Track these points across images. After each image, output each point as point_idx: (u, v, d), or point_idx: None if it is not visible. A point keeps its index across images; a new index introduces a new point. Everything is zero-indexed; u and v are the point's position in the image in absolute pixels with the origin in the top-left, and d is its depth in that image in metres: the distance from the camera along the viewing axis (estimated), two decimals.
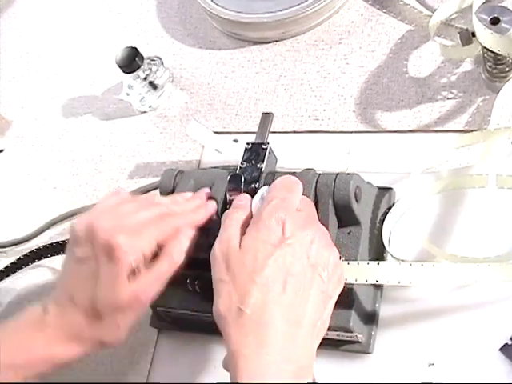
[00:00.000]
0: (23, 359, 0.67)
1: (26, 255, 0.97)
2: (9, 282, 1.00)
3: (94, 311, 0.67)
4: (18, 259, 0.97)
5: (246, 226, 0.65)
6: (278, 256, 0.61)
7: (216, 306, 0.62)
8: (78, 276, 0.69)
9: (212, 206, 0.74)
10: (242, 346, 0.58)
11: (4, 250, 1.03)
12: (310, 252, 0.62)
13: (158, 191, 0.82)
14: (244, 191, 0.73)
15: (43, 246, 0.96)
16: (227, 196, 0.74)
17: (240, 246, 0.63)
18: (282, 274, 0.60)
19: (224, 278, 0.62)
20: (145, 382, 0.85)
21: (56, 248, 0.95)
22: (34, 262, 0.97)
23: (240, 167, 0.77)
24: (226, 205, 0.74)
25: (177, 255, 0.69)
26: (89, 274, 0.67)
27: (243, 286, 0.60)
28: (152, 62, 1.03)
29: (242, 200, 0.69)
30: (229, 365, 0.59)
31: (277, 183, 0.68)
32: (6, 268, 0.97)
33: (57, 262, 0.98)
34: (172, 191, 0.81)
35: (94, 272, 0.67)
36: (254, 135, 0.81)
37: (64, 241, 0.94)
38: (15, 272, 0.98)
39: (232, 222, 0.66)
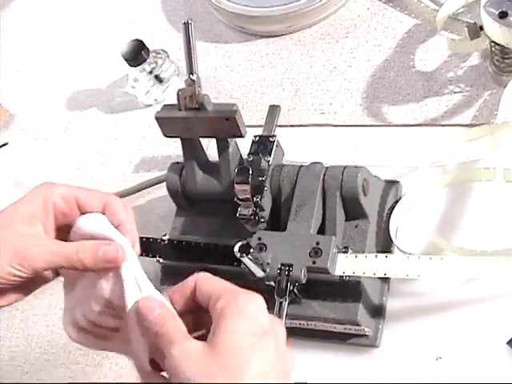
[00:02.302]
0: None
1: None
2: None
3: None
4: None
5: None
6: (262, 348, 0.53)
7: None
8: None
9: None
10: None
11: None
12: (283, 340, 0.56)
13: None
14: (251, 184, 0.73)
15: None
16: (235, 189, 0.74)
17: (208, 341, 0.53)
18: (266, 367, 0.52)
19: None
20: None
21: None
22: None
23: (247, 160, 0.77)
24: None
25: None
26: None
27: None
28: (158, 56, 1.03)
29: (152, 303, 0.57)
30: None
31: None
32: None
33: None
34: (178, 184, 0.81)
35: None
36: (260, 129, 0.81)
37: None
38: None
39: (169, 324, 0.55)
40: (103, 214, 0.63)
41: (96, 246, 0.61)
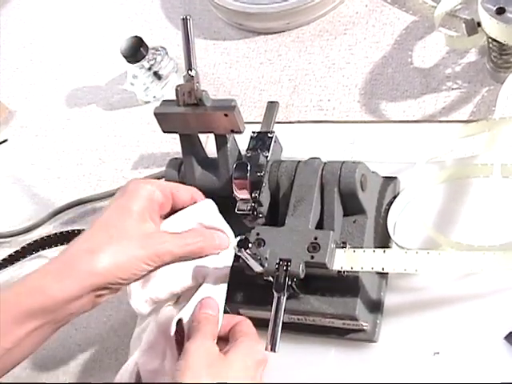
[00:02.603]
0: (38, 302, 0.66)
1: (29, 244, 0.97)
2: (11, 270, 1.00)
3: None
4: (22, 248, 0.97)
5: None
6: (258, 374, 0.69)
7: None
8: None
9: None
10: None
11: (8, 239, 1.04)
12: None
13: None
14: (250, 180, 0.73)
15: (47, 236, 0.96)
16: (233, 184, 0.74)
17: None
18: None
19: (202, 372, 0.65)
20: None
21: (59, 238, 0.95)
22: (38, 251, 0.97)
23: (246, 155, 0.77)
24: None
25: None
26: None
27: None
28: (157, 53, 1.03)
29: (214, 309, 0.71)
30: None
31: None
32: (9, 256, 0.97)
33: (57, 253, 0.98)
34: (177, 180, 0.81)
35: None
36: (259, 125, 0.81)
37: (68, 231, 0.94)
38: (18, 261, 0.98)
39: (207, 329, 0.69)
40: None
41: (211, 235, 0.72)
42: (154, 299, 0.72)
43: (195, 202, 0.75)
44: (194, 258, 0.71)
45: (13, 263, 0.98)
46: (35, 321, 0.66)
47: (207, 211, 0.74)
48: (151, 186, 0.71)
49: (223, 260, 0.73)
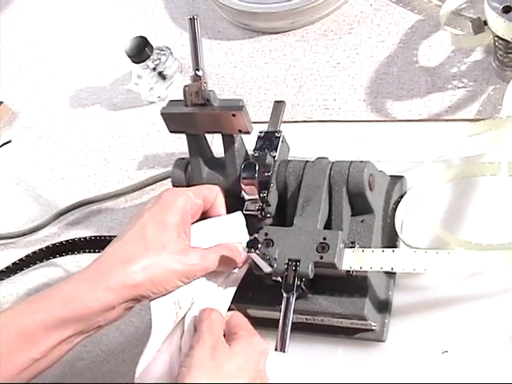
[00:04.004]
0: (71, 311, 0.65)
1: (34, 252, 0.96)
2: (17, 278, 1.00)
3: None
4: (26, 256, 0.96)
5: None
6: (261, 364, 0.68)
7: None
8: None
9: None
10: None
11: (13, 240, 1.04)
12: None
13: None
14: (258, 180, 0.73)
15: (52, 245, 0.95)
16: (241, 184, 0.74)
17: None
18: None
19: (208, 364, 0.64)
20: None
21: (67, 247, 0.94)
22: (43, 261, 0.97)
23: (253, 155, 0.77)
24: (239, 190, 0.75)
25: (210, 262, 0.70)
26: None
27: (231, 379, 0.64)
28: (161, 53, 1.03)
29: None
30: None
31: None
32: (13, 264, 0.97)
33: (68, 260, 0.98)
34: (184, 180, 0.81)
35: None
36: (264, 125, 0.80)
37: (74, 239, 0.94)
38: (24, 269, 0.98)
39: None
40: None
41: (238, 250, 0.71)
42: (175, 301, 0.71)
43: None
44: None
45: (16, 272, 0.98)
46: (66, 330, 0.65)
47: (236, 225, 0.74)
48: (186, 198, 0.71)
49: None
